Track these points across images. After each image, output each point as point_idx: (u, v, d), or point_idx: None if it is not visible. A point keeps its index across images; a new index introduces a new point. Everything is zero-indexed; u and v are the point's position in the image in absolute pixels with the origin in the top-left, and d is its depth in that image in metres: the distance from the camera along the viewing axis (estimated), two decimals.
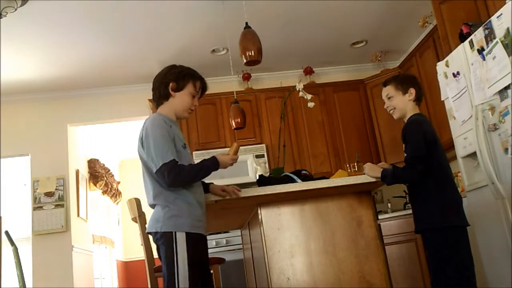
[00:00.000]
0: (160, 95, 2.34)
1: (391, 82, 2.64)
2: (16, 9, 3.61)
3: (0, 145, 5.17)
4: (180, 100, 2.33)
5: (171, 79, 2.32)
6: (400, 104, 2.61)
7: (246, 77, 5.53)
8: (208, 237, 3.54)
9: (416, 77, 2.77)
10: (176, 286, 2.07)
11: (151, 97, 2.47)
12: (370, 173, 2.53)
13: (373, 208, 2.68)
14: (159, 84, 2.34)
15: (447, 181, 2.45)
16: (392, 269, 4.48)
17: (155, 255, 3.24)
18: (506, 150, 2.91)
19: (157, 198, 2.21)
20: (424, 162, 2.39)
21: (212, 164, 2.25)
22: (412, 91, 2.59)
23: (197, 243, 2.18)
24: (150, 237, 2.84)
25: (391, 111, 2.65)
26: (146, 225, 2.30)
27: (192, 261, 2.12)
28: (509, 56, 2.81)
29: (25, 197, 5.52)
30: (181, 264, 2.09)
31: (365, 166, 2.58)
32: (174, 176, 2.13)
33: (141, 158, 2.27)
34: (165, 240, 2.14)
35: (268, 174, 3.91)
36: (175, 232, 2.13)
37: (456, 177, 4.71)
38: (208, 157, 2.29)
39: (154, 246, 3.32)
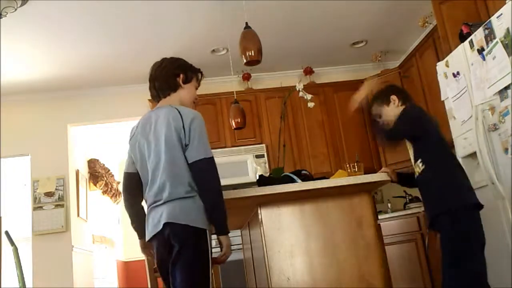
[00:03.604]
0: (168, 86, 2.33)
1: (372, 103, 2.77)
2: (16, 9, 3.62)
3: (0, 145, 5.17)
4: (188, 92, 2.37)
5: (181, 71, 2.35)
6: (390, 114, 2.67)
7: (246, 77, 5.52)
8: None
9: (392, 84, 2.83)
10: (210, 280, 2.14)
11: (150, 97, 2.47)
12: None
13: (373, 208, 2.68)
14: (169, 75, 2.33)
15: (452, 166, 2.53)
16: (392, 269, 4.47)
17: None
18: (506, 150, 2.91)
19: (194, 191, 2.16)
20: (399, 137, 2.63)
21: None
22: (394, 97, 2.65)
23: None
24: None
25: (388, 125, 2.70)
26: (167, 215, 2.12)
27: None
28: (509, 56, 2.81)
29: (25, 197, 5.52)
30: (211, 260, 2.17)
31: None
32: (214, 173, 2.14)
33: (174, 146, 2.16)
34: (198, 235, 2.13)
35: (268, 174, 3.90)
36: (207, 230, 2.16)
37: None
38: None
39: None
